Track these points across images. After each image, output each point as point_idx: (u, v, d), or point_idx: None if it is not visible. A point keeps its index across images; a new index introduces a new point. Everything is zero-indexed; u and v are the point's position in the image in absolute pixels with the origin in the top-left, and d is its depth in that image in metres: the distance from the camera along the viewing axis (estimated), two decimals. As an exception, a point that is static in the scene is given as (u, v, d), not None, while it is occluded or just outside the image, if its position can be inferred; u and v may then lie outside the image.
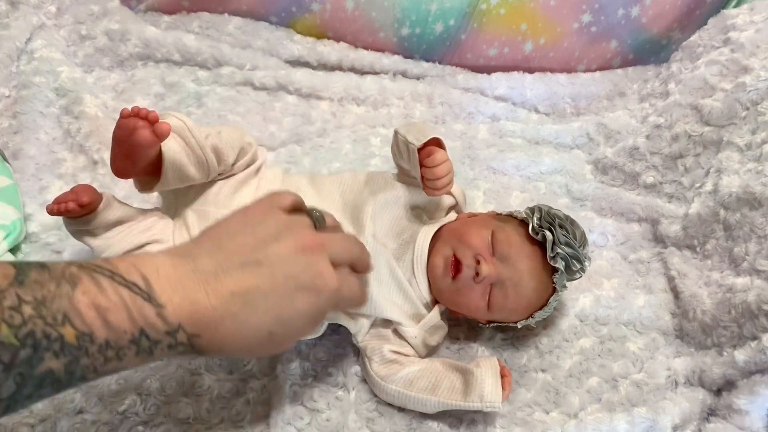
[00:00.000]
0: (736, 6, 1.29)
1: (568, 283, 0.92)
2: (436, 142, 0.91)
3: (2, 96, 1.16)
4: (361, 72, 1.39)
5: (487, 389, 0.85)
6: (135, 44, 1.32)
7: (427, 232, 0.94)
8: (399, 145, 0.95)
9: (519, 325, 0.95)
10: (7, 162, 1.07)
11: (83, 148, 1.15)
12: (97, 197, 0.82)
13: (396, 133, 0.96)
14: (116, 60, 1.32)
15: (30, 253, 1.01)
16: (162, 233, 0.87)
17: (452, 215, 1.01)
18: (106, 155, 1.13)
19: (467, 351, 0.98)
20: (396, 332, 0.93)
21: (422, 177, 0.90)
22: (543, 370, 0.97)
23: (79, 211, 0.81)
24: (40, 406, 0.85)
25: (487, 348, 0.99)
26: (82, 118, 1.17)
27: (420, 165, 0.89)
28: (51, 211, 0.80)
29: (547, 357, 0.98)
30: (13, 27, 1.20)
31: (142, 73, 1.32)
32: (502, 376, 0.87)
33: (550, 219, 0.90)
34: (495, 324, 0.97)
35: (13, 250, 0.99)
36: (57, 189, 1.09)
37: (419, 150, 0.89)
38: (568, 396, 0.93)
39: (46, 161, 1.12)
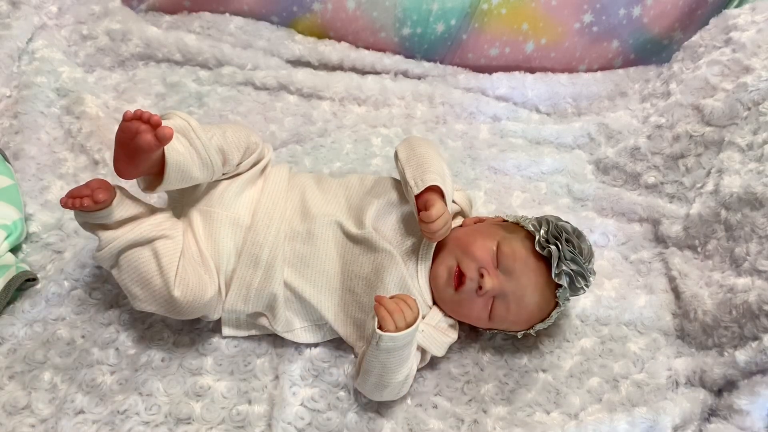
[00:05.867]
0: (737, 6, 1.29)
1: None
2: (436, 188, 0.88)
3: (3, 96, 1.16)
4: (362, 72, 1.39)
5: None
6: (136, 44, 1.32)
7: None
8: (398, 172, 0.95)
9: (519, 335, 0.95)
10: (8, 162, 1.07)
11: (84, 148, 1.15)
12: (112, 194, 0.82)
13: (396, 156, 0.96)
14: (117, 60, 1.33)
15: (30, 253, 1.01)
16: (172, 230, 0.87)
17: (458, 220, 1.00)
18: (107, 155, 1.13)
19: (468, 351, 0.98)
20: None
21: (419, 220, 0.88)
22: (544, 370, 0.97)
23: (94, 208, 0.81)
24: (41, 407, 0.85)
25: (488, 348, 0.99)
26: (83, 118, 1.17)
27: (417, 210, 0.88)
28: (65, 205, 0.80)
29: (547, 357, 0.98)
30: (15, 27, 1.20)
31: (144, 73, 1.32)
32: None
33: (557, 233, 0.89)
34: (495, 331, 0.98)
35: (14, 250, 1.00)
36: (58, 189, 1.09)
37: (417, 196, 0.88)
38: (569, 396, 0.93)
39: (47, 161, 1.12)
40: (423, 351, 0.91)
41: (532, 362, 0.97)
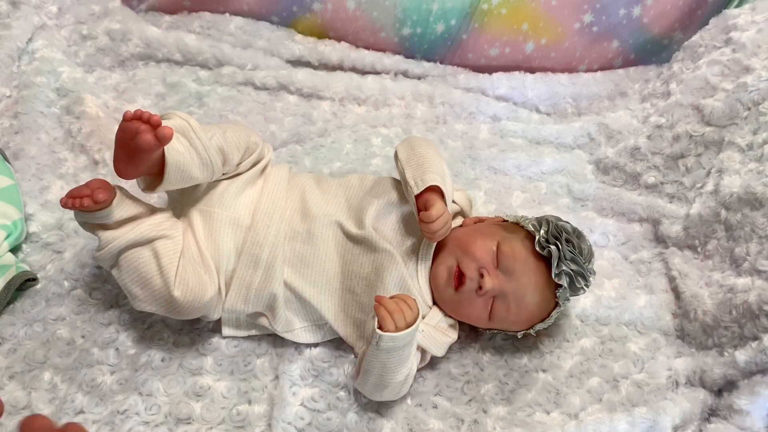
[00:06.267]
0: (737, 6, 1.29)
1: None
2: (436, 188, 0.88)
3: (3, 96, 1.16)
4: (362, 72, 1.39)
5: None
6: (136, 44, 1.32)
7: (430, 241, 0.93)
8: (398, 172, 0.95)
9: (519, 335, 0.95)
10: (8, 162, 1.07)
11: (84, 148, 1.15)
12: (112, 194, 0.82)
13: (396, 156, 0.96)
14: (117, 60, 1.33)
15: (30, 253, 1.01)
16: (172, 230, 0.87)
17: (458, 220, 1.00)
18: (107, 155, 1.13)
19: (468, 351, 0.98)
20: None
21: (419, 220, 0.88)
22: (544, 370, 0.97)
23: (94, 207, 0.81)
24: (42, 407, 0.85)
25: (488, 348, 0.99)
26: (83, 118, 1.17)
27: (417, 210, 0.88)
28: (65, 205, 0.81)
29: (547, 357, 0.98)
30: (15, 27, 1.20)
31: (143, 73, 1.32)
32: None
33: (557, 233, 0.89)
34: (495, 331, 0.98)
35: (14, 250, 1.00)
36: (58, 189, 1.09)
37: (417, 196, 0.88)
38: (569, 396, 0.93)
39: (47, 161, 1.12)
40: (423, 351, 0.91)
41: (532, 362, 0.97)
